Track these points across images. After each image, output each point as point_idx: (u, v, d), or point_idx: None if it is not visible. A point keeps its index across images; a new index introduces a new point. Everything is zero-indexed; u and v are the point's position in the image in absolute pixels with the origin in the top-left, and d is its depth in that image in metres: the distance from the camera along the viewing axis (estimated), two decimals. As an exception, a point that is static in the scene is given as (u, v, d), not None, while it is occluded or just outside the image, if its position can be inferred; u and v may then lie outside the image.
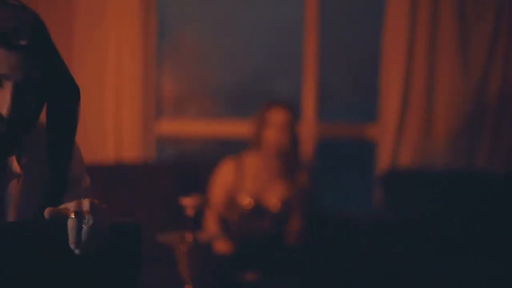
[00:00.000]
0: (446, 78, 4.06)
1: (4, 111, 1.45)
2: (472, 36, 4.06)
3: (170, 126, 4.38)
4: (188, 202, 2.54)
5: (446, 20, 4.04)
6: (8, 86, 1.46)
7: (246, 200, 3.61)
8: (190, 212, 2.54)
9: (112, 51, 4.15)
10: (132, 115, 4.17)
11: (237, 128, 4.30)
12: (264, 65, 4.63)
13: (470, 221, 3.80)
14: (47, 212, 1.37)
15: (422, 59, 4.07)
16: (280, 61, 4.60)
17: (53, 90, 1.60)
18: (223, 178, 3.69)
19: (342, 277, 3.58)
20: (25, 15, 1.50)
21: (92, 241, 1.38)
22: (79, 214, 1.37)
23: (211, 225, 3.64)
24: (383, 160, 4.15)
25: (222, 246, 3.55)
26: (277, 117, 3.62)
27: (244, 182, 3.66)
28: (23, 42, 1.45)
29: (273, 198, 3.60)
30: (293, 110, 3.71)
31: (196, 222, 3.28)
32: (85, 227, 1.37)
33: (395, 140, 4.10)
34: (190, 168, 4.09)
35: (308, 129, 4.27)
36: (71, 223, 1.37)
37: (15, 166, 1.57)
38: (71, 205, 1.39)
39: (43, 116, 1.62)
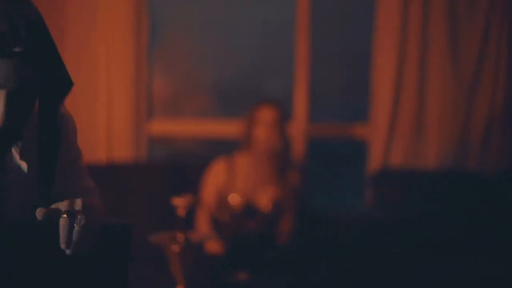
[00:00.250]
0: (437, 78, 4.07)
1: None
2: (463, 37, 4.07)
3: (161, 127, 4.38)
4: (180, 202, 2.53)
5: (437, 21, 4.05)
6: (1, 94, 1.39)
7: (237, 200, 3.61)
8: (181, 212, 2.53)
9: (104, 52, 4.14)
10: (124, 115, 4.17)
11: (228, 128, 4.30)
12: (255, 65, 4.63)
13: (460, 221, 3.81)
14: (38, 213, 1.35)
15: (413, 59, 4.08)
16: (271, 61, 4.60)
17: (47, 86, 1.54)
18: (215, 178, 3.69)
19: (334, 277, 3.58)
20: (21, 14, 1.39)
21: (83, 241, 1.36)
22: (71, 213, 1.36)
23: (202, 225, 3.64)
24: (374, 160, 4.16)
25: (213, 246, 3.55)
26: (265, 115, 3.63)
27: (235, 182, 3.66)
28: (18, 49, 1.36)
29: (264, 199, 3.60)
30: (282, 108, 3.71)
31: (188, 222, 3.29)
32: (76, 227, 1.35)
33: (386, 140, 4.11)
34: (181, 168, 4.09)
35: (300, 129, 4.27)
36: (63, 222, 1.35)
37: (16, 158, 1.54)
38: (63, 204, 1.38)
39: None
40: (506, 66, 4.04)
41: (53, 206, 1.38)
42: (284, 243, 3.60)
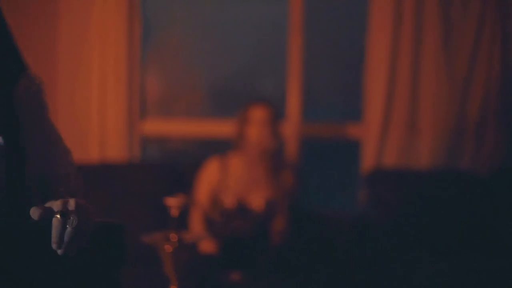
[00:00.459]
0: (430, 78, 4.08)
1: None
2: (456, 36, 4.08)
3: (154, 126, 4.38)
4: (173, 202, 2.53)
5: (430, 20, 4.06)
6: None
7: (229, 200, 3.61)
8: (174, 212, 2.53)
9: (96, 51, 4.14)
10: (117, 115, 4.16)
11: (222, 128, 4.30)
12: (248, 65, 4.63)
13: (452, 221, 3.82)
14: (34, 213, 1.35)
15: (406, 59, 4.08)
16: (264, 61, 4.60)
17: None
18: (208, 176, 3.69)
19: (327, 277, 3.58)
20: None
21: (75, 242, 1.36)
22: (64, 214, 1.36)
23: (196, 224, 3.64)
24: (368, 160, 4.16)
25: (207, 246, 3.54)
26: (257, 114, 3.64)
27: (229, 182, 3.66)
28: None
29: (257, 199, 3.60)
30: (274, 108, 3.71)
31: (182, 221, 3.28)
32: (69, 228, 1.35)
33: (380, 140, 4.12)
34: (174, 168, 4.08)
35: (293, 129, 4.27)
36: (55, 222, 1.35)
37: None
38: (56, 204, 1.38)
39: None
40: (499, 66, 4.05)
41: (47, 204, 1.38)
42: (277, 243, 3.60)
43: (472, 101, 4.09)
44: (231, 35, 4.52)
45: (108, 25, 4.13)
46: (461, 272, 3.52)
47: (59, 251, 1.36)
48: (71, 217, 1.35)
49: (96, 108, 4.16)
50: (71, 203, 1.38)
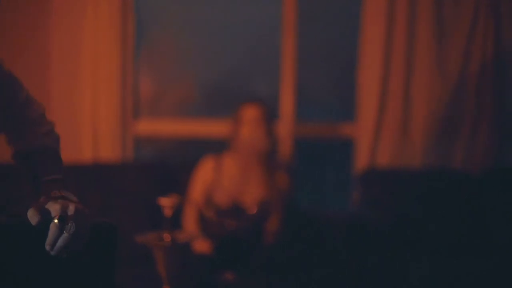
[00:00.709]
0: (424, 78, 4.09)
1: None
2: (449, 37, 4.09)
3: (148, 126, 4.37)
4: (166, 202, 2.53)
5: (423, 21, 4.07)
6: None
7: (223, 200, 3.61)
8: (167, 212, 2.53)
9: (90, 51, 4.13)
10: (110, 115, 4.16)
11: (215, 128, 4.30)
12: (242, 65, 4.63)
13: (446, 221, 3.83)
14: (32, 218, 1.35)
15: (399, 59, 4.09)
16: (258, 61, 4.60)
17: None
18: (203, 175, 3.70)
19: (321, 276, 3.58)
20: None
21: (69, 247, 1.37)
22: (62, 219, 1.36)
23: (189, 223, 3.64)
24: (361, 160, 4.17)
25: (200, 246, 3.54)
26: (250, 113, 3.65)
27: (222, 181, 3.66)
28: None
29: (250, 198, 3.60)
30: (267, 107, 3.71)
31: (176, 220, 3.28)
32: (65, 234, 1.35)
33: (373, 140, 4.12)
34: (168, 168, 4.08)
35: (287, 129, 4.27)
36: (53, 227, 1.35)
37: None
38: (55, 208, 1.37)
39: None
40: (492, 66, 4.06)
41: (46, 206, 1.38)
42: (271, 243, 3.60)
43: (465, 100, 4.09)
44: (225, 35, 4.51)
45: (101, 24, 4.12)
46: (455, 271, 3.52)
47: (52, 252, 1.37)
48: (69, 223, 1.36)
49: (89, 108, 4.15)
50: (71, 208, 1.38)
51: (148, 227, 3.00)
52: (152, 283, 2.76)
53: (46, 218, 1.36)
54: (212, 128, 4.33)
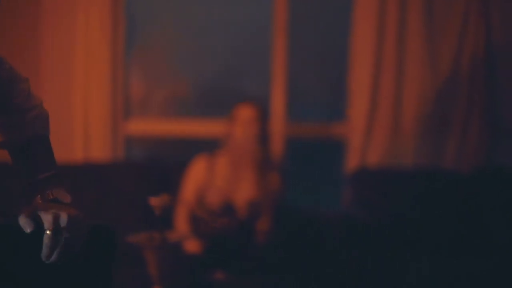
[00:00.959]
0: (415, 77, 4.09)
1: None
2: (440, 35, 4.09)
3: (138, 126, 4.37)
4: (157, 202, 2.53)
5: (414, 19, 4.07)
6: None
7: (215, 199, 3.61)
8: (158, 212, 2.53)
9: (80, 51, 4.12)
10: (101, 114, 4.15)
11: (206, 127, 4.30)
12: (233, 64, 4.63)
13: (436, 220, 3.83)
14: (26, 226, 1.33)
15: (390, 58, 4.09)
16: (249, 61, 4.60)
17: None
18: (195, 174, 3.70)
19: (312, 275, 3.58)
20: None
21: (65, 256, 1.35)
22: (56, 231, 1.33)
23: (181, 223, 3.64)
24: (352, 159, 4.17)
25: (191, 246, 3.54)
26: (243, 113, 3.65)
27: (215, 181, 3.66)
28: None
29: (242, 198, 3.60)
30: (261, 108, 3.72)
31: (167, 219, 3.28)
32: (60, 246, 1.33)
33: (364, 139, 4.13)
34: (158, 168, 4.08)
35: (278, 128, 4.27)
36: (46, 239, 1.33)
37: None
38: (47, 220, 1.35)
39: None
40: (483, 64, 4.07)
41: (39, 213, 1.36)
42: (262, 242, 3.60)
43: (456, 99, 4.10)
44: (215, 35, 4.51)
45: (92, 24, 4.11)
46: (446, 270, 3.53)
47: (48, 262, 1.35)
48: (63, 235, 1.34)
49: (80, 108, 4.14)
50: (63, 218, 1.35)
51: (139, 227, 2.99)
52: (143, 283, 2.76)
53: (40, 225, 1.34)
54: (203, 127, 4.33)
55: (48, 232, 1.33)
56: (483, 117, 4.10)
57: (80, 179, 3.89)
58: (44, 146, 1.64)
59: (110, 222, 1.51)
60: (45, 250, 1.33)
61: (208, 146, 3.89)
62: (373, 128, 4.13)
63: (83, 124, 4.15)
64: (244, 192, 3.63)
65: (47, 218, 1.34)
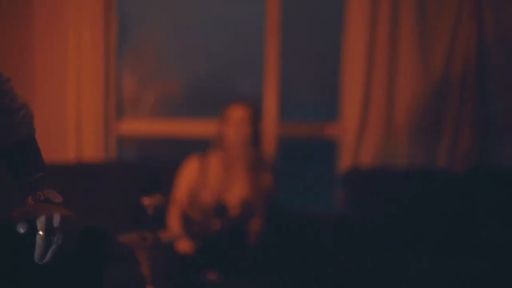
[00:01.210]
0: (407, 77, 4.10)
1: None
2: (432, 36, 4.10)
3: (131, 126, 4.36)
4: (149, 202, 2.52)
5: (406, 20, 4.07)
6: None
7: (208, 199, 3.61)
8: (151, 211, 2.52)
9: (73, 51, 4.12)
10: (93, 114, 4.15)
11: (198, 127, 4.29)
12: (226, 64, 4.63)
13: (429, 219, 3.84)
14: (19, 225, 1.33)
15: (382, 59, 4.10)
16: (242, 61, 4.60)
17: None
18: (187, 174, 3.70)
19: (305, 276, 3.58)
20: None
21: (58, 257, 1.35)
22: (49, 232, 1.34)
23: (173, 223, 3.64)
24: (345, 159, 4.17)
25: (184, 246, 3.53)
26: (236, 113, 3.66)
27: (207, 181, 3.66)
28: None
29: (234, 198, 3.60)
30: (254, 108, 3.73)
31: (160, 219, 3.27)
32: (53, 246, 1.34)
33: (357, 139, 4.13)
34: (151, 167, 4.07)
35: (271, 128, 4.27)
36: (39, 240, 1.33)
37: None
38: (41, 221, 1.35)
39: None
40: (475, 65, 4.07)
41: (31, 213, 1.36)
42: (254, 242, 3.60)
43: (448, 99, 4.11)
44: (208, 34, 4.51)
45: (84, 25, 4.11)
46: (438, 269, 3.54)
47: (40, 263, 1.35)
48: (56, 235, 1.34)
49: (73, 108, 4.14)
50: (56, 219, 1.35)
51: (132, 226, 2.99)
52: (136, 283, 2.75)
53: (33, 226, 1.34)
54: (195, 127, 4.33)
55: (41, 232, 1.33)
56: (475, 117, 4.10)
57: (73, 179, 3.88)
58: (32, 146, 1.63)
59: (103, 222, 1.51)
60: (38, 251, 1.33)
61: (201, 146, 3.89)
62: (365, 128, 4.14)
63: (76, 124, 4.14)
64: (237, 191, 3.63)
65: (39, 219, 1.34)
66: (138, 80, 4.61)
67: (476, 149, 4.12)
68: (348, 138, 4.16)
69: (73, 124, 4.14)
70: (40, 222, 1.34)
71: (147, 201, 2.52)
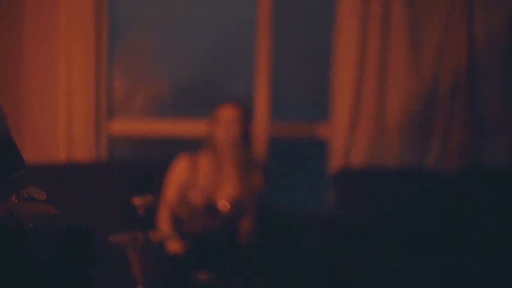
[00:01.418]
0: (398, 77, 4.11)
1: None
2: (423, 35, 4.11)
3: (121, 126, 4.35)
4: (140, 202, 2.52)
5: (397, 19, 4.08)
6: None
7: (198, 199, 3.61)
8: (141, 211, 2.52)
9: (63, 51, 4.11)
10: (84, 114, 4.14)
11: (189, 127, 4.29)
12: (216, 64, 4.63)
13: (420, 219, 3.85)
14: (7, 222, 1.33)
15: (373, 58, 4.10)
16: (233, 60, 4.60)
17: None
18: (177, 174, 3.70)
19: (295, 276, 3.59)
20: None
21: (43, 254, 1.35)
22: (35, 228, 1.34)
23: (164, 223, 3.63)
24: (336, 159, 4.18)
25: (174, 246, 3.53)
26: (226, 113, 3.67)
27: (197, 180, 3.66)
28: None
29: (225, 198, 3.60)
30: (244, 108, 3.74)
31: (151, 219, 3.27)
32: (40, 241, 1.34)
33: (347, 139, 4.14)
34: (141, 167, 4.07)
35: (261, 128, 4.27)
36: (28, 234, 1.34)
37: None
38: (25, 216, 1.35)
39: None
40: (466, 65, 4.08)
41: (16, 211, 1.36)
42: (245, 242, 3.60)
43: (439, 100, 4.11)
44: (199, 34, 4.51)
45: (75, 25, 4.10)
46: (429, 269, 3.54)
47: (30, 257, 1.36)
48: (42, 231, 1.34)
49: (64, 108, 4.13)
50: (40, 215, 1.36)
51: (122, 226, 2.98)
52: (126, 283, 2.75)
53: (17, 223, 1.35)
54: (186, 127, 4.32)
55: (27, 228, 1.33)
56: (466, 117, 4.11)
57: (64, 179, 3.87)
58: (10, 145, 1.62)
59: (93, 221, 1.51)
60: (27, 246, 1.34)
61: (192, 146, 3.89)
62: (356, 128, 4.14)
63: (67, 124, 4.13)
64: (227, 191, 3.64)
65: (24, 216, 1.35)
66: (129, 80, 4.60)
67: (467, 150, 4.12)
68: (339, 138, 4.16)
69: (64, 124, 4.13)
70: (25, 219, 1.35)
71: (138, 201, 2.52)
